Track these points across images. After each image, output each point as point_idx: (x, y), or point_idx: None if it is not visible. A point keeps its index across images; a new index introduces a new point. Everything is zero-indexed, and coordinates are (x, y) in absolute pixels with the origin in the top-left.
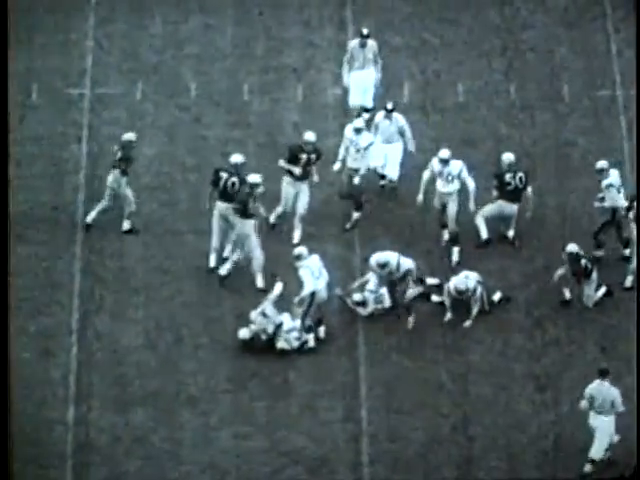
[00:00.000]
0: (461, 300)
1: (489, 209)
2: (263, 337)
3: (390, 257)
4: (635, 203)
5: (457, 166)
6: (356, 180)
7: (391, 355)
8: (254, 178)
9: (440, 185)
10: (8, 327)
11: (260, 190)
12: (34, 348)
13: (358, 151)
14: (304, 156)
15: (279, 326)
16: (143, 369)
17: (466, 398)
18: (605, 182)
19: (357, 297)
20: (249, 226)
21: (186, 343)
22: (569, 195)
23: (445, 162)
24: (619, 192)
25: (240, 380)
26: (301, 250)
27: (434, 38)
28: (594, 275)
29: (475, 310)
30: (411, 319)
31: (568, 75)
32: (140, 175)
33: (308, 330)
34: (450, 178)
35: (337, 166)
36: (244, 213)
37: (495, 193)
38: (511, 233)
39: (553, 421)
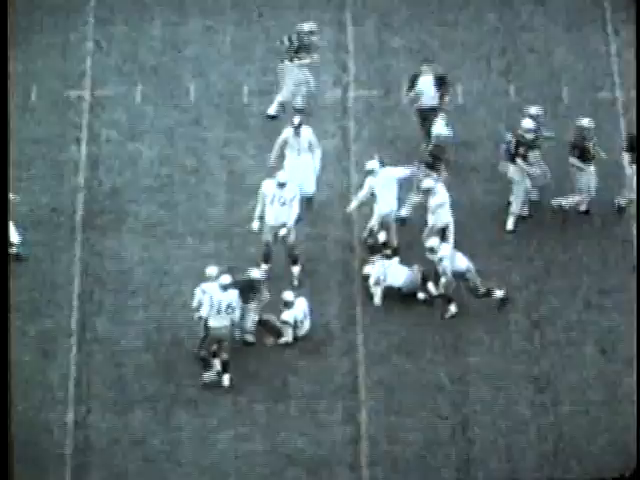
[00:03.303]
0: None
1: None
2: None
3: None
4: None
5: (393, 176)
6: (288, 236)
7: (390, 357)
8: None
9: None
10: (8, 329)
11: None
12: (34, 350)
13: (284, 204)
14: None
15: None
16: (142, 371)
17: (465, 400)
18: (435, 201)
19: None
20: None
21: (185, 345)
22: (568, 196)
23: (371, 173)
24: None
25: (239, 382)
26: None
27: (433, 40)
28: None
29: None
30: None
31: (568, 77)
32: (139, 177)
33: (205, 363)
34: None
35: (256, 225)
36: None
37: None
38: None
39: (552, 422)
